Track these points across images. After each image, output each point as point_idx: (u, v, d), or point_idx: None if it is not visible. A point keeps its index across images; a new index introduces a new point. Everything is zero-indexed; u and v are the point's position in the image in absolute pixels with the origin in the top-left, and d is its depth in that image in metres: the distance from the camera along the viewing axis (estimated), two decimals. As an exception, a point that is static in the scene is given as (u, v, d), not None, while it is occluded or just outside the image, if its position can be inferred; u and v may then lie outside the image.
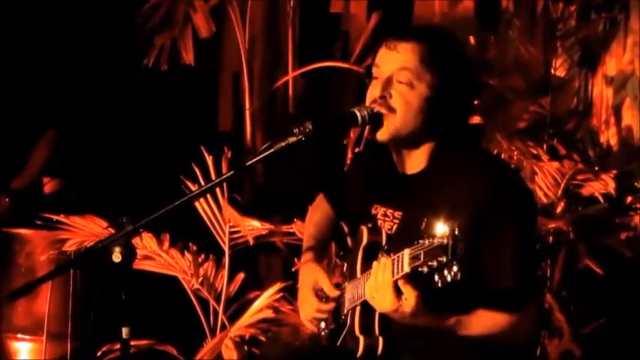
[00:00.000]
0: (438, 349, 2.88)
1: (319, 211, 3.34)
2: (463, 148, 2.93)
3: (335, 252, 3.33)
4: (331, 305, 3.08)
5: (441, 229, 2.53)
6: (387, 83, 2.90)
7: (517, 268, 2.81)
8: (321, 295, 3.10)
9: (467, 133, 2.97)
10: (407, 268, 2.60)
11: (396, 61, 2.89)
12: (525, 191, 2.97)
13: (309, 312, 3.14)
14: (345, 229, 3.17)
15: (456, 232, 2.52)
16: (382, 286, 2.71)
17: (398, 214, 2.97)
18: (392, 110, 2.89)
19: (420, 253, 2.56)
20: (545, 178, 4.68)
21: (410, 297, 2.68)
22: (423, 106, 2.88)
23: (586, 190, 4.68)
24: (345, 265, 3.14)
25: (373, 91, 2.92)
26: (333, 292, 3.06)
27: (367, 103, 2.93)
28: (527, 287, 2.86)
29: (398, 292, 2.69)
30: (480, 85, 3.02)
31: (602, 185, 4.63)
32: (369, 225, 3.01)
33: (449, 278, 2.53)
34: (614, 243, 4.64)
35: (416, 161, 2.96)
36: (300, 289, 3.18)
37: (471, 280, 2.68)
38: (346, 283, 3.06)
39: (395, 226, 2.96)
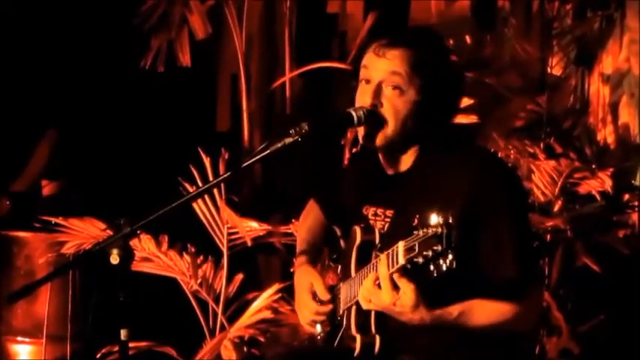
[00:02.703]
0: (437, 348, 2.88)
1: (311, 215, 3.35)
2: (449, 145, 2.94)
3: (328, 255, 3.33)
4: (329, 307, 3.09)
5: (435, 219, 2.54)
6: (378, 90, 2.90)
7: (517, 255, 2.82)
8: (318, 298, 3.11)
9: (453, 131, 2.98)
10: (402, 260, 2.61)
11: (385, 67, 2.90)
12: (514, 179, 2.99)
13: (307, 315, 3.15)
14: (338, 232, 3.18)
15: (450, 221, 2.53)
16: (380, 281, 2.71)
17: (389, 212, 2.98)
18: (384, 120, 2.90)
19: (415, 244, 2.57)
20: (542, 177, 4.68)
21: (407, 290, 2.69)
22: (413, 110, 2.89)
23: (583, 189, 4.69)
24: (339, 267, 3.14)
25: (364, 98, 2.93)
26: (325, 296, 3.07)
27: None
28: (529, 273, 2.87)
29: (394, 287, 2.70)
30: (464, 84, 3.02)
31: (599, 183, 4.64)
32: (362, 225, 3.02)
33: (444, 267, 2.54)
34: (612, 241, 4.63)
35: (404, 161, 2.97)
36: (296, 293, 3.19)
37: (472, 272, 2.70)
38: (341, 284, 3.07)
39: (387, 225, 2.97)
